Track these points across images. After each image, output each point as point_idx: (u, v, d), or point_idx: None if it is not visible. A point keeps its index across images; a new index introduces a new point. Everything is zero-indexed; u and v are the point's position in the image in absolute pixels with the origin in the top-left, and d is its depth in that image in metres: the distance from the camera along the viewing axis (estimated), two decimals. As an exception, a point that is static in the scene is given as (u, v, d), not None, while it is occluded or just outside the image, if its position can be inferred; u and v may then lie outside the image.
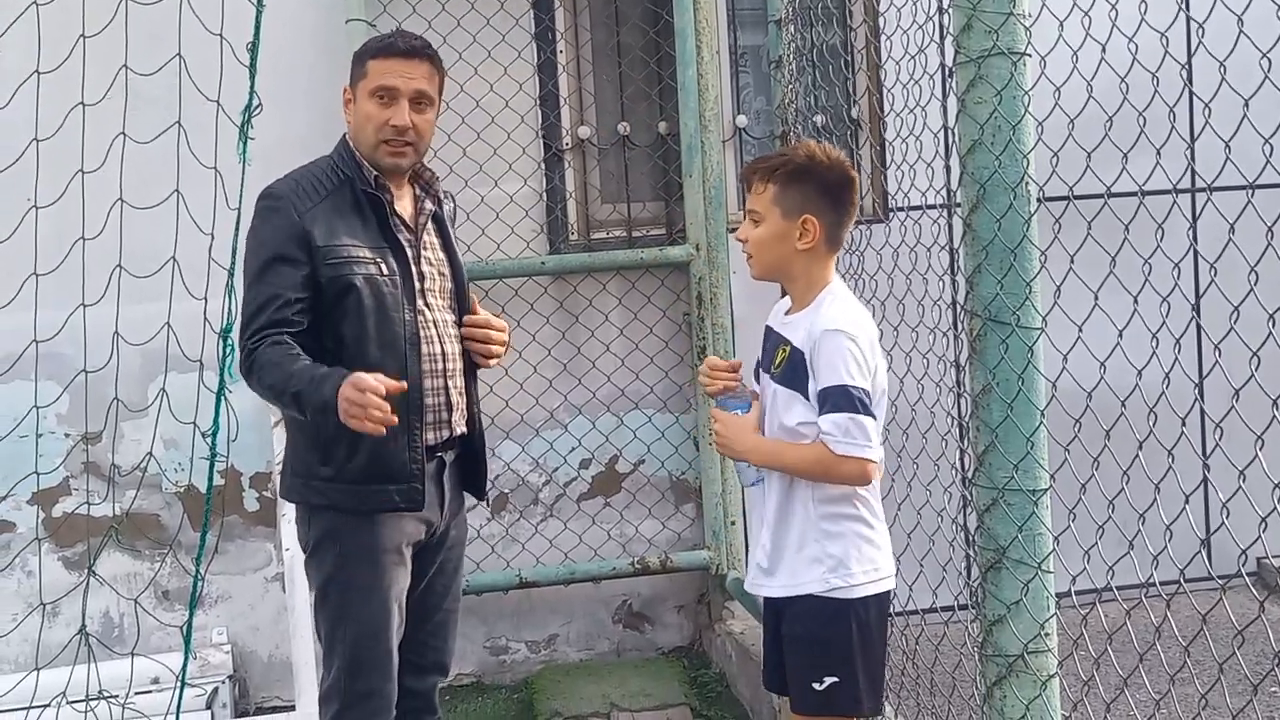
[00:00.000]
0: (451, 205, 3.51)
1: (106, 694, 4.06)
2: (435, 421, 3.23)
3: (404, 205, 3.26)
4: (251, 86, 3.49)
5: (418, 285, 3.20)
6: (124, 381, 3.89)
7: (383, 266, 3.12)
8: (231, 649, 5.28)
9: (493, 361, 3.35)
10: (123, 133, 3.46)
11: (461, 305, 3.35)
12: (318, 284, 3.05)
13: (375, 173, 3.16)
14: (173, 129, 3.47)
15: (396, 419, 2.87)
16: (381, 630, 3.17)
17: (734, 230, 5.33)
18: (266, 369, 2.96)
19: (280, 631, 5.28)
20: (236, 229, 3.50)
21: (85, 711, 4.03)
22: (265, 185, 3.16)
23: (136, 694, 4.46)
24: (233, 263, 3.48)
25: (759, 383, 3.14)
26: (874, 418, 2.85)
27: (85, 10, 3.44)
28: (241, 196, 3.43)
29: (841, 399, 2.81)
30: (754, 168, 3.05)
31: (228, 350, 3.50)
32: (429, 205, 3.31)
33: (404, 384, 2.94)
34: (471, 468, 3.44)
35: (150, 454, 4.41)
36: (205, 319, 3.51)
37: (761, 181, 2.98)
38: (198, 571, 3.78)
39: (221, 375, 3.55)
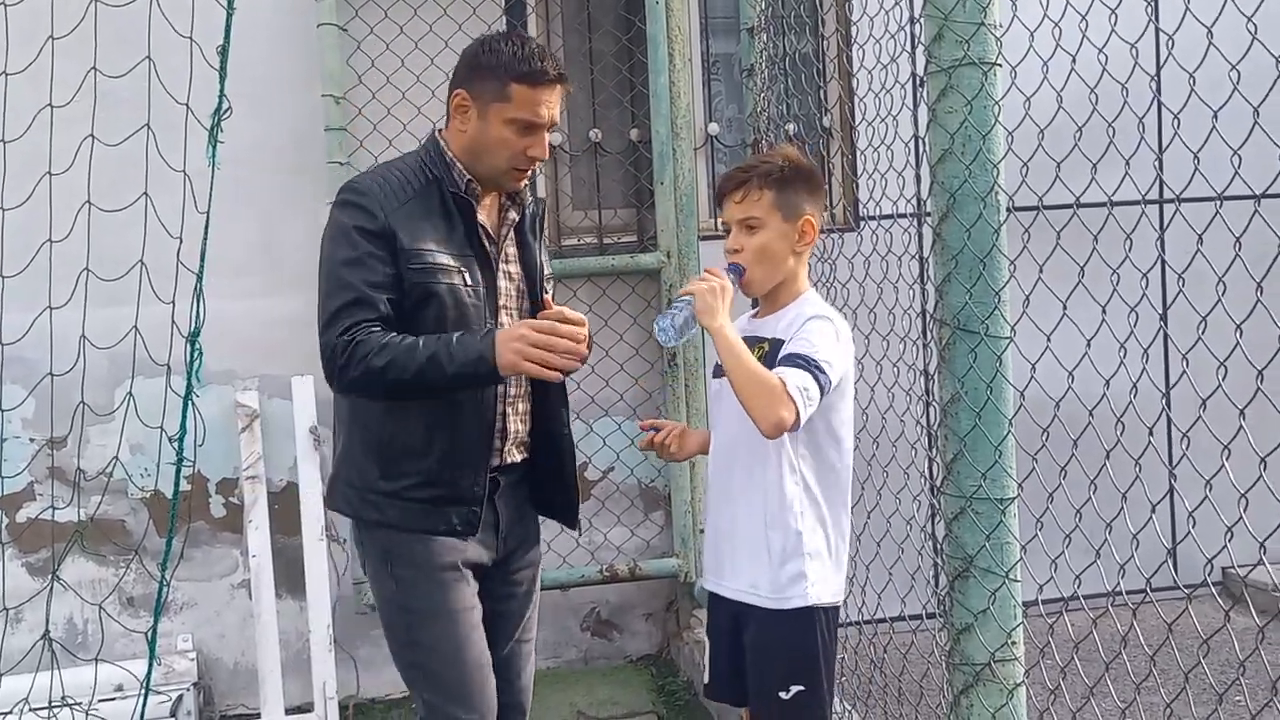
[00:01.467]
0: (535, 208, 3.23)
1: (70, 701, 4.02)
2: (497, 445, 3.03)
3: (487, 213, 3.05)
4: (221, 90, 3.47)
5: (498, 300, 3.02)
6: (90, 386, 3.86)
7: (466, 276, 2.92)
8: (197, 656, 5.25)
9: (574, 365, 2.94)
10: (91, 135, 3.43)
11: None
12: (400, 287, 2.84)
13: (468, 177, 2.97)
14: (142, 132, 3.44)
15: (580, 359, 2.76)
16: (457, 651, 2.94)
17: (705, 238, 5.37)
18: (378, 352, 2.73)
19: (246, 639, 5.25)
20: (205, 233, 3.48)
21: (48, 718, 4.00)
22: (351, 179, 2.99)
23: (100, 701, 4.41)
24: (201, 267, 3.47)
25: (717, 389, 3.12)
26: (821, 398, 2.80)
27: (54, 11, 3.41)
28: (210, 200, 3.41)
29: (810, 365, 2.76)
30: (747, 174, 2.99)
31: (195, 354, 3.47)
32: (512, 214, 3.10)
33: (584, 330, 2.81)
34: (558, 492, 3.24)
35: (116, 459, 4.38)
36: (173, 323, 3.48)
37: (758, 188, 2.95)
38: (163, 577, 3.74)
39: (189, 380, 3.52)
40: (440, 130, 3.07)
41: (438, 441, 2.91)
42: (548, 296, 3.15)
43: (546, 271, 3.22)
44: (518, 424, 3.10)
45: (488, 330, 2.81)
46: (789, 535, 2.90)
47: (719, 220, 3.10)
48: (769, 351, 2.89)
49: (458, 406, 2.91)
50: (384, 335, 2.76)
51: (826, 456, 2.94)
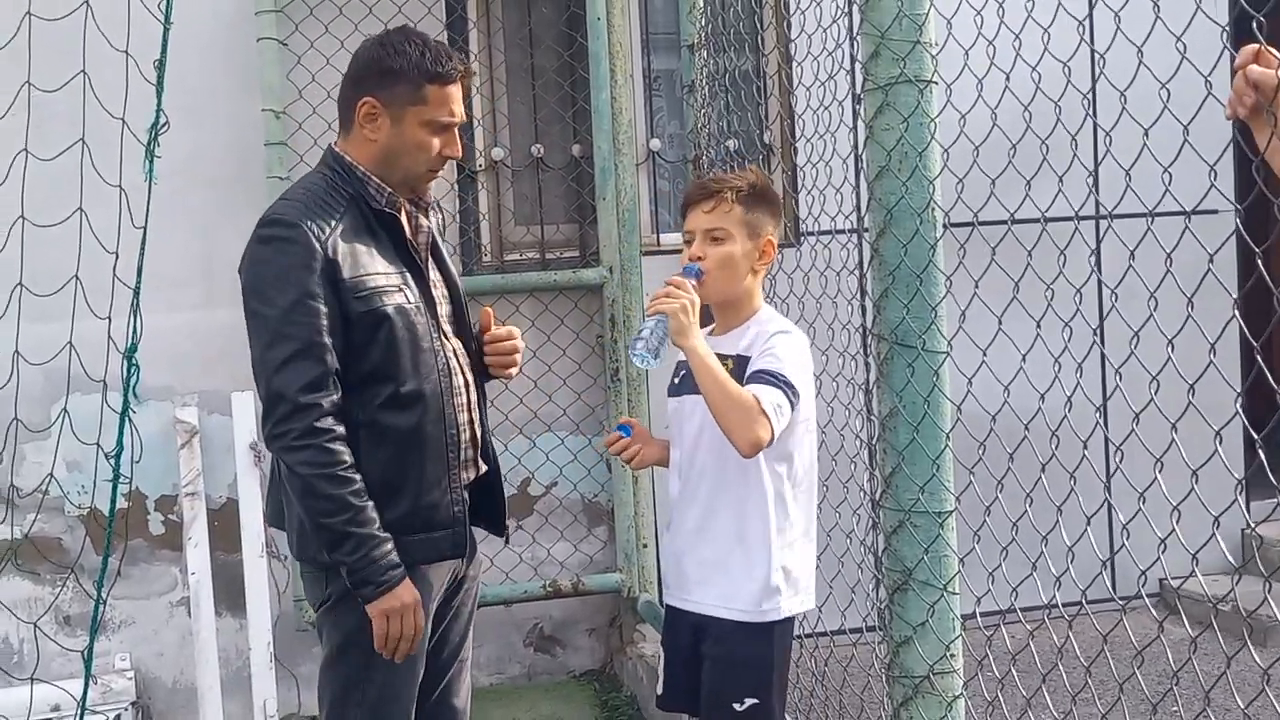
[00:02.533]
0: (440, 216, 3.23)
1: (5, 721, 3.97)
2: (463, 460, 2.99)
3: (406, 226, 2.98)
4: (159, 104, 3.45)
5: (438, 311, 2.97)
6: (24, 402, 3.82)
7: (408, 294, 2.86)
8: (135, 675, 5.19)
9: (512, 372, 3.17)
10: (25, 149, 3.39)
11: (461, 328, 3.09)
12: (346, 319, 2.75)
13: (388, 189, 2.89)
14: (77, 146, 3.41)
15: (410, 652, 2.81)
16: (402, 691, 2.93)
17: (648, 253, 5.39)
18: (329, 478, 2.69)
19: (185, 657, 5.20)
20: (142, 248, 3.46)
21: (-18, 739, 3.94)
22: (271, 210, 2.86)
23: (36, 721, 4.36)
24: (138, 282, 3.44)
25: (675, 406, 3.13)
26: (791, 412, 2.83)
27: (-12, 25, 3.38)
28: (147, 215, 3.38)
29: (780, 382, 2.80)
30: (719, 186, 3.01)
31: (132, 370, 3.44)
32: (424, 222, 3.03)
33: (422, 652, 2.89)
34: (488, 503, 3.19)
35: (51, 476, 4.32)
36: (109, 339, 3.44)
37: (729, 202, 2.97)
38: (99, 596, 3.70)
39: (126, 396, 3.48)
40: (336, 145, 2.97)
41: (410, 473, 2.86)
42: (489, 317, 3.15)
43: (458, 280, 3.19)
44: (476, 430, 3.07)
45: (402, 576, 2.77)
46: (763, 550, 2.93)
47: (683, 228, 3.10)
48: (733, 370, 2.92)
49: (423, 431, 2.86)
50: (342, 455, 2.71)
51: (797, 470, 2.97)
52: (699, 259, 2.99)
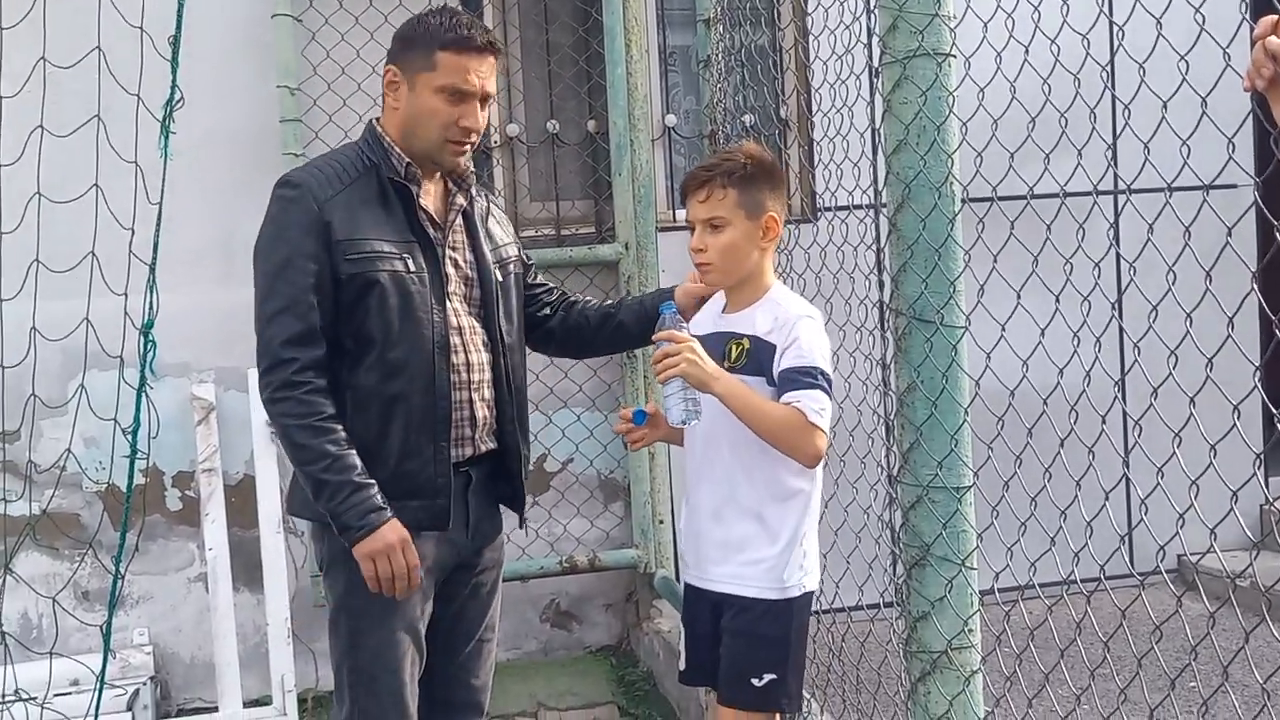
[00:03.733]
0: (485, 203, 3.22)
1: (25, 695, 3.99)
2: (459, 437, 2.99)
3: (432, 199, 3.01)
4: (173, 80, 3.45)
5: (446, 286, 2.97)
6: (42, 378, 3.83)
7: (409, 263, 2.88)
8: (153, 650, 5.22)
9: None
10: (41, 126, 3.40)
11: (488, 313, 3.07)
12: (337, 280, 2.81)
13: (407, 160, 2.93)
14: (92, 122, 3.41)
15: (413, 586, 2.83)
16: (397, 662, 2.93)
17: (663, 229, 5.38)
18: (306, 428, 2.77)
19: (203, 632, 5.22)
20: (158, 224, 3.46)
21: (2, 712, 3.97)
22: (284, 174, 2.95)
23: (55, 695, 4.39)
24: (154, 258, 3.44)
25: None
26: (832, 402, 2.87)
27: (2, 1, 3.38)
28: (163, 191, 3.39)
29: (814, 377, 2.81)
30: (709, 174, 2.98)
31: (149, 346, 3.45)
32: (459, 200, 3.05)
33: (419, 578, 2.86)
34: (507, 485, 3.19)
35: (69, 452, 4.34)
36: (126, 315, 3.45)
37: (721, 187, 2.95)
38: (117, 571, 3.71)
39: (143, 372, 3.49)
40: (376, 119, 3.03)
41: (391, 437, 2.88)
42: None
43: (512, 255, 3.20)
44: (485, 411, 3.05)
45: (379, 512, 2.79)
46: (781, 527, 2.94)
47: (685, 217, 3.09)
48: (749, 349, 2.92)
49: (407, 400, 2.88)
50: (321, 406, 2.79)
51: None
52: (701, 250, 2.99)
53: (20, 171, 3.47)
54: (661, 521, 5.43)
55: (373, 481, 2.80)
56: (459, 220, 3.06)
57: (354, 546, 2.78)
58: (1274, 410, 1.91)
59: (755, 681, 2.96)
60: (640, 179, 5.33)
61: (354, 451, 2.79)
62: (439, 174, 3.04)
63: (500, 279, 3.12)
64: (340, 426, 2.80)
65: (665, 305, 2.98)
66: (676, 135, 5.83)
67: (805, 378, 2.81)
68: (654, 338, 2.93)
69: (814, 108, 4.30)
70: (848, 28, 3.72)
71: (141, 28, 3.33)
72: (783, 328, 2.91)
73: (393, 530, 2.78)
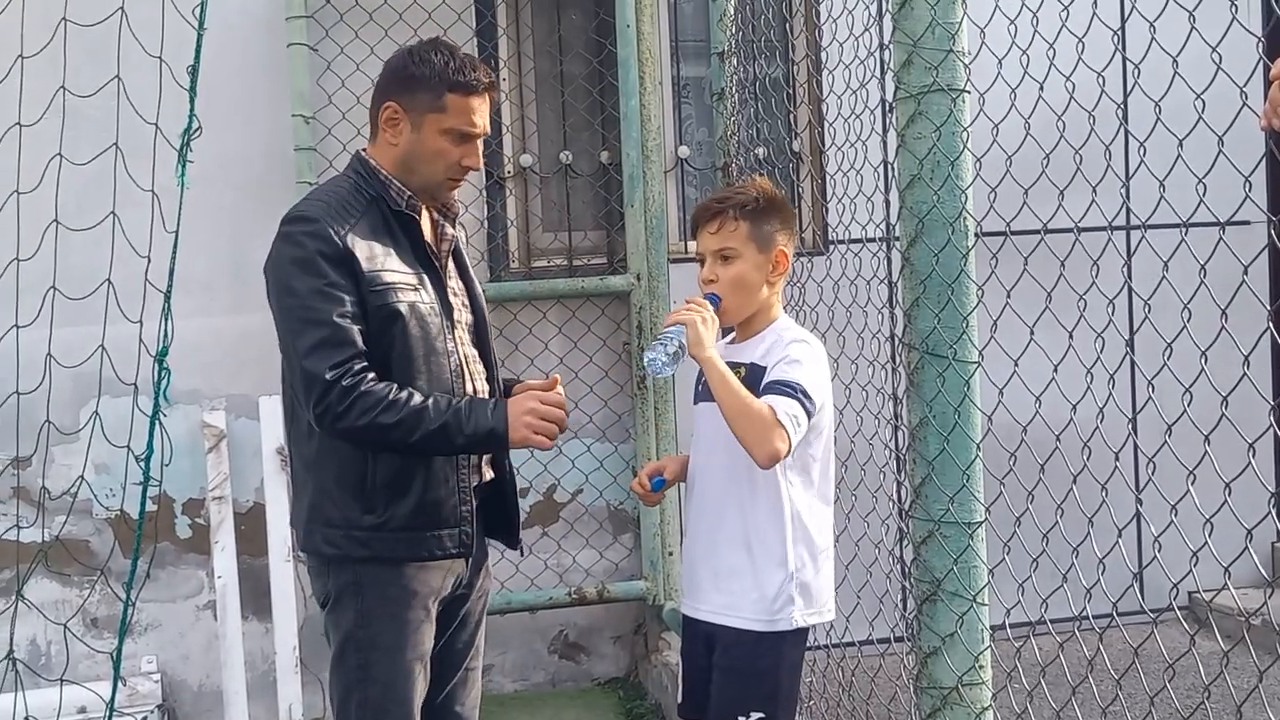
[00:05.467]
0: (464, 232, 3.27)
1: (32, 722, 3.98)
2: (472, 463, 2.99)
3: (428, 232, 3.02)
4: (191, 109, 3.47)
5: (452, 315, 2.98)
6: (56, 405, 3.85)
7: (423, 293, 2.89)
8: (161, 678, 5.21)
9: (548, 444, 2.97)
10: (59, 154, 3.42)
11: (481, 342, 3.11)
12: (365, 311, 2.78)
13: (408, 192, 2.93)
14: (110, 151, 3.43)
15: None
16: (405, 693, 2.90)
17: (675, 260, 5.39)
18: (385, 408, 2.72)
19: (211, 660, 5.22)
20: (174, 252, 3.47)
21: (10, 740, 3.96)
22: (293, 208, 2.89)
23: (63, 722, 4.38)
24: (169, 285, 3.45)
25: (696, 413, 3.13)
26: (808, 422, 2.83)
27: (24, 30, 3.40)
28: (179, 219, 3.40)
29: (796, 391, 2.78)
30: (722, 205, 2.99)
31: (163, 373, 3.45)
32: (449, 231, 3.07)
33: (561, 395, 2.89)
34: (501, 514, 3.19)
35: (82, 478, 4.34)
36: (140, 342, 3.46)
37: (733, 219, 2.96)
38: (128, 598, 3.72)
39: (156, 399, 3.50)
40: (364, 151, 3.02)
41: (418, 469, 2.87)
42: (556, 377, 3.07)
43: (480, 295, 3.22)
44: None
45: (496, 403, 2.81)
46: (773, 559, 2.92)
47: (695, 249, 3.09)
48: (746, 377, 2.92)
49: None
50: (386, 388, 2.74)
51: (812, 479, 2.95)
52: (711, 281, 2.99)
53: (38, 198, 3.48)
54: (670, 553, 5.41)
55: (464, 396, 2.86)
56: (450, 253, 3.09)
57: (512, 441, 2.80)
58: (1288, 448, 1.91)
59: (742, 718, 2.94)
60: (652, 210, 5.34)
61: (434, 396, 2.79)
62: (424, 206, 3.05)
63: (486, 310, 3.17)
64: (409, 391, 2.78)
65: (711, 296, 2.97)
66: (689, 167, 5.84)
67: (785, 388, 2.79)
68: (686, 300, 2.95)
69: (827, 141, 4.32)
70: (862, 62, 3.74)
71: (161, 57, 3.35)
72: (775, 349, 2.91)
73: (515, 403, 2.82)
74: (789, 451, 2.74)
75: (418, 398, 2.75)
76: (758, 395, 2.83)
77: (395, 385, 2.76)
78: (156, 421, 3.54)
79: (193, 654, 5.33)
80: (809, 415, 2.79)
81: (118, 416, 3.80)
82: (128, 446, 3.64)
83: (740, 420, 2.75)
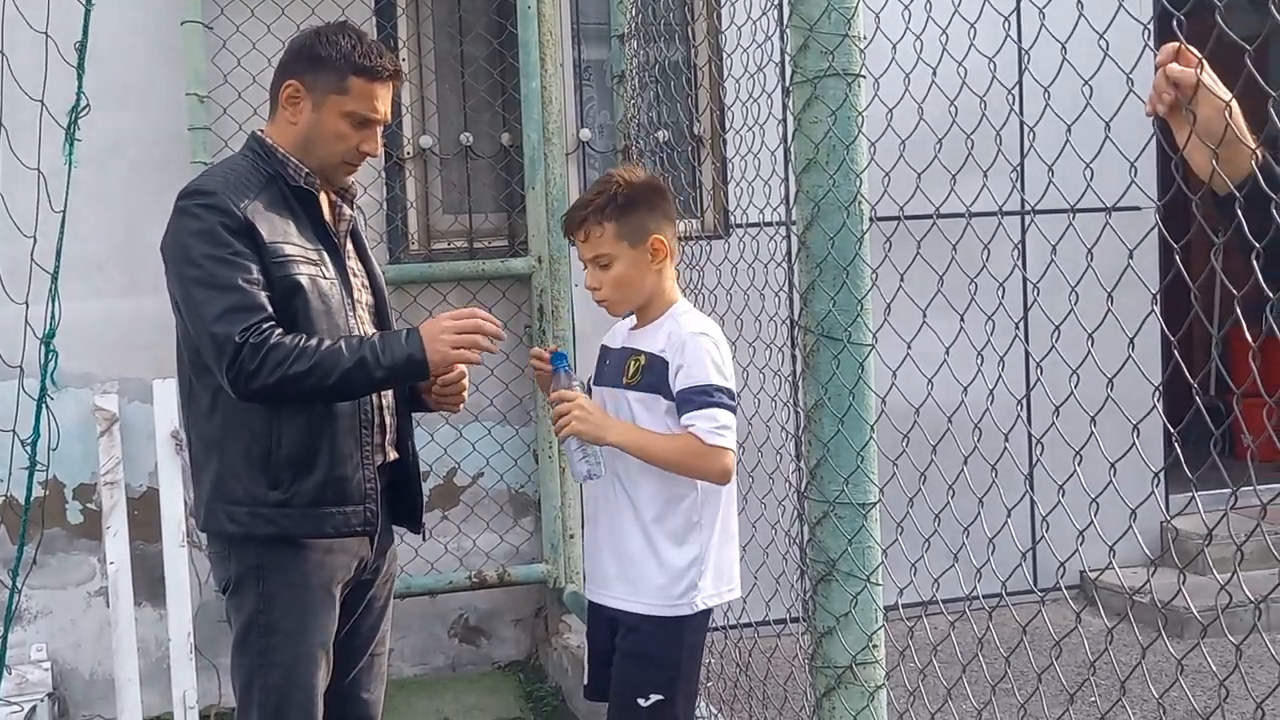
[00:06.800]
0: (361, 216, 3.30)
1: (-85, 714, 3.89)
2: (376, 442, 2.98)
3: (325, 210, 3.02)
4: (79, 87, 3.39)
5: (352, 294, 2.99)
6: (-61, 388, 3.74)
7: (324, 269, 2.89)
8: (51, 666, 5.12)
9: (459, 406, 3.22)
10: (-60, 131, 3.32)
11: (383, 324, 3.12)
12: (269, 283, 2.76)
13: (305, 170, 2.92)
14: (-6, 128, 3.34)
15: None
16: (308, 679, 2.88)
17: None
18: (296, 357, 2.67)
19: (103, 648, 5.13)
20: (61, 232, 3.39)
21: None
22: (189, 184, 2.88)
23: (-52, 713, 4.29)
24: (56, 266, 3.38)
25: (594, 397, 3.13)
26: (734, 415, 2.89)
27: (-98, 2, 3.30)
28: (66, 199, 3.32)
29: (710, 395, 2.84)
30: (582, 215, 3.00)
31: (50, 356, 3.38)
32: (347, 211, 3.08)
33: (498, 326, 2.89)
34: (405, 498, 3.19)
35: (-34, 463, 4.24)
36: (27, 324, 3.38)
37: (598, 224, 2.96)
38: (14, 585, 3.63)
39: (43, 382, 3.42)
40: (261, 130, 3.01)
41: (323, 444, 2.85)
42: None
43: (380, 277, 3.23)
44: (390, 419, 3.07)
45: (409, 330, 2.80)
46: (672, 544, 2.94)
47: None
48: (645, 365, 2.94)
49: (335, 406, 2.86)
50: (295, 338, 2.71)
51: None
52: (596, 289, 3.03)
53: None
54: (571, 536, 5.41)
55: (372, 331, 2.88)
56: (347, 232, 3.09)
57: (432, 364, 2.79)
58: (1172, 430, 1.95)
59: (641, 701, 2.96)
60: (554, 193, 5.33)
61: (343, 340, 2.77)
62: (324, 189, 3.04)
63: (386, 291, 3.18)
64: (318, 338, 2.75)
65: (556, 358, 3.03)
66: (591, 150, 5.83)
67: (700, 396, 2.84)
68: (549, 399, 2.99)
69: (727, 125, 4.33)
70: (760, 46, 3.75)
71: (46, 33, 3.27)
72: (675, 345, 2.93)
73: (432, 323, 2.83)
74: (735, 457, 2.89)
75: (328, 341, 2.73)
76: (664, 389, 2.87)
77: (304, 335, 2.74)
78: (43, 405, 3.46)
79: (84, 641, 5.24)
80: (732, 410, 2.88)
81: (4, 400, 3.70)
82: (13, 430, 3.55)
83: (679, 467, 2.88)
